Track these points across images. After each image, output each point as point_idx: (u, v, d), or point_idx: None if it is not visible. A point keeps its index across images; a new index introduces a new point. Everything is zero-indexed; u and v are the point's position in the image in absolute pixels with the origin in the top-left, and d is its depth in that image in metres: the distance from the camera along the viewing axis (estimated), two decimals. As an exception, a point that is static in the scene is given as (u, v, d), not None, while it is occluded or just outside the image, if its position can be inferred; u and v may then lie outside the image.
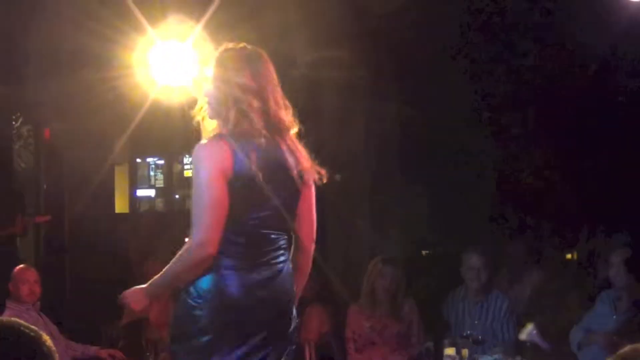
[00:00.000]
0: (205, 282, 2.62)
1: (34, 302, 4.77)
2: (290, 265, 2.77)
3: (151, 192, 8.34)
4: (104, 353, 4.90)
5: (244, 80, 2.66)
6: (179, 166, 8.27)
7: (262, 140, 2.64)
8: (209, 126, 2.75)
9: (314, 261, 2.90)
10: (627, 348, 1.68)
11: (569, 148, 6.59)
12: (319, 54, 5.68)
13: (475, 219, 6.46)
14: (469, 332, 4.44)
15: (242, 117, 2.65)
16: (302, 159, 2.73)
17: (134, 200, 8.04)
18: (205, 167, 2.61)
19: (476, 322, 4.83)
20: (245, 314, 2.62)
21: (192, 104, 2.82)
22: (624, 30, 5.02)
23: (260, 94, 2.67)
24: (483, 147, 6.64)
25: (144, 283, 5.28)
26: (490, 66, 6.71)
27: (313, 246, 2.83)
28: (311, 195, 2.79)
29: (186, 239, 2.75)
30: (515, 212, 6.73)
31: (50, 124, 6.53)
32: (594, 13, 5.38)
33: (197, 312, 2.62)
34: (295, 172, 2.70)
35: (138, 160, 8.14)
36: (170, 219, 7.26)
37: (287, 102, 2.74)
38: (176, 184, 8.22)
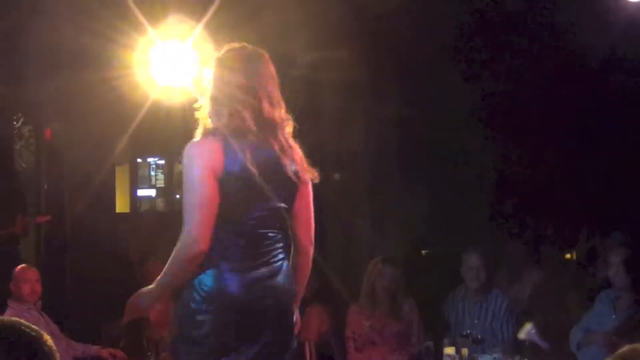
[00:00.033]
0: (206, 282, 2.63)
1: (35, 301, 4.78)
2: (290, 265, 2.78)
3: (152, 192, 8.36)
4: (105, 352, 4.91)
5: (240, 79, 2.69)
6: (180, 166, 8.25)
7: (254, 138, 2.65)
8: (205, 125, 2.76)
9: (314, 261, 2.91)
10: (625, 348, 1.69)
11: (568, 148, 6.60)
12: (318, 54, 5.69)
13: (475, 218, 6.47)
14: (468, 331, 4.45)
15: (235, 115, 2.67)
16: (296, 158, 2.74)
17: (134, 200, 8.04)
18: (195, 165, 2.63)
19: (476, 321, 4.84)
20: (246, 314, 2.63)
21: (193, 104, 2.84)
22: (623, 30, 5.03)
23: (255, 93, 2.68)
24: (482, 147, 6.65)
25: (144, 282, 5.30)
26: (490, 66, 6.72)
27: (312, 245, 2.83)
28: (308, 194, 2.80)
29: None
30: (514, 211, 6.74)
31: (51, 124, 6.53)
32: (593, 13, 5.39)
33: (198, 312, 2.63)
34: (289, 171, 2.71)
35: (139, 160, 8.14)
36: (170, 218, 7.26)
37: (281, 102, 2.74)
38: (177, 184, 8.22)
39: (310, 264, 2.85)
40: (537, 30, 6.60)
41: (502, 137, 6.78)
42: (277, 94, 2.74)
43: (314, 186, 2.83)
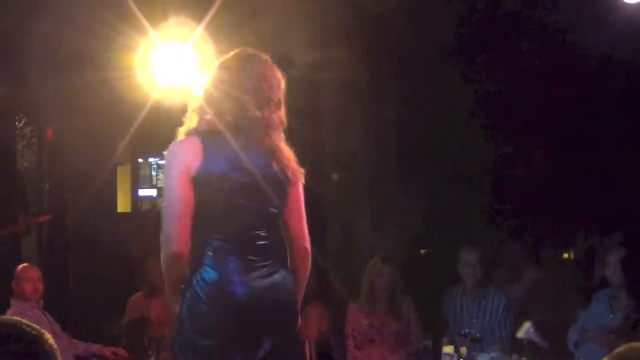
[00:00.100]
0: (205, 283, 2.63)
1: (37, 300, 4.80)
2: (288, 265, 2.78)
3: (153, 192, 8.39)
4: (106, 351, 4.93)
5: (231, 79, 2.70)
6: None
7: (239, 138, 2.66)
8: (189, 124, 2.76)
9: (314, 260, 2.92)
10: (622, 347, 1.69)
11: (566, 148, 6.63)
12: (318, 55, 5.70)
13: (474, 218, 6.49)
14: (467, 330, 4.46)
15: (221, 114, 2.68)
16: (284, 160, 2.74)
17: (136, 199, 8.08)
18: (172, 166, 2.66)
19: (474, 320, 4.86)
20: (246, 314, 2.63)
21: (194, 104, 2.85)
22: (621, 30, 5.05)
23: (245, 93, 2.68)
24: (482, 146, 6.67)
25: (144, 282, 5.32)
26: (489, 66, 6.74)
27: (307, 246, 2.81)
28: (298, 196, 2.79)
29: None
30: (513, 211, 6.76)
31: (53, 124, 6.57)
32: (592, 14, 5.41)
33: (198, 313, 2.63)
34: (275, 172, 2.71)
35: (140, 160, 8.18)
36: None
37: (278, 105, 2.74)
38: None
39: (308, 265, 2.84)
40: (536, 31, 6.62)
41: (501, 137, 6.81)
42: (273, 96, 2.73)
43: (314, 186, 2.84)
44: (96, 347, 4.96)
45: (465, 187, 6.59)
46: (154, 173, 8.33)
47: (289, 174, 2.75)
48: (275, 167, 2.72)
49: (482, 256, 4.99)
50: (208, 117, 2.70)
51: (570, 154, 6.59)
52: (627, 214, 5.82)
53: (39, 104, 6.22)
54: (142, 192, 8.22)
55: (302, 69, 5.54)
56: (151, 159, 8.31)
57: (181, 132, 2.75)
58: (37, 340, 1.54)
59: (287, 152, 2.77)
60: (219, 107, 2.70)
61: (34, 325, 1.58)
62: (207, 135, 2.68)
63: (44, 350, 1.54)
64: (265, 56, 2.78)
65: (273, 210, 2.73)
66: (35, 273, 4.86)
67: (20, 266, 4.90)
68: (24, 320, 1.59)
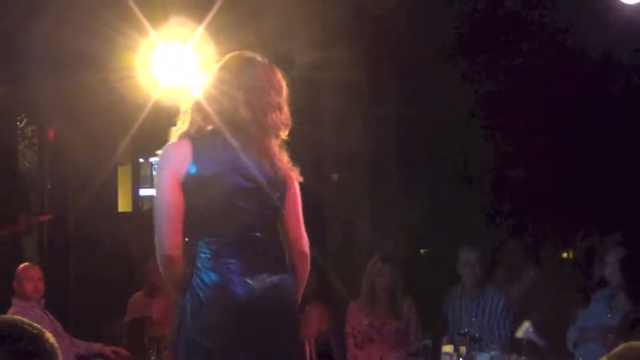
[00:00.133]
0: (208, 285, 2.64)
1: (38, 299, 4.82)
2: (288, 265, 2.78)
3: (154, 192, 8.37)
4: (107, 350, 4.95)
5: (225, 82, 2.70)
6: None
7: (231, 140, 2.66)
8: (180, 127, 2.77)
9: (314, 260, 2.93)
10: (621, 347, 1.71)
11: (566, 148, 6.64)
12: (318, 55, 5.71)
13: (474, 218, 6.51)
14: (466, 329, 4.47)
15: (217, 116, 2.69)
16: (277, 162, 2.73)
17: (137, 199, 8.09)
18: (162, 169, 2.68)
19: (473, 319, 4.87)
20: (248, 315, 2.63)
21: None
22: (620, 31, 5.06)
23: (237, 96, 2.68)
24: (482, 146, 6.69)
25: (145, 281, 5.33)
26: (489, 66, 6.76)
27: (305, 249, 2.81)
28: (295, 198, 2.79)
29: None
30: (513, 211, 6.78)
31: (54, 124, 6.58)
32: (591, 15, 5.43)
33: (198, 313, 2.64)
34: (273, 173, 2.71)
35: (141, 160, 8.19)
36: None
37: (276, 108, 2.72)
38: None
39: (307, 267, 2.83)
40: (536, 31, 6.64)
41: (501, 137, 6.82)
42: (272, 98, 2.72)
43: (314, 186, 2.85)
44: (97, 347, 4.97)
45: (465, 187, 6.61)
46: (154, 173, 8.33)
47: (284, 176, 2.75)
48: (270, 169, 2.71)
49: (481, 256, 5.00)
50: (200, 119, 2.70)
51: (570, 154, 6.60)
52: (626, 214, 5.83)
53: (40, 104, 6.24)
54: (143, 192, 8.23)
55: (303, 69, 5.55)
56: (152, 159, 8.31)
57: (173, 135, 2.75)
58: (38, 339, 1.55)
59: (281, 154, 2.77)
60: (215, 108, 2.71)
61: (35, 324, 1.58)
62: (199, 137, 2.69)
63: (45, 349, 1.54)
64: (264, 59, 2.78)
65: (271, 211, 2.73)
66: (36, 272, 4.87)
67: (21, 265, 4.91)
68: (25, 320, 1.59)
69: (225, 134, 2.69)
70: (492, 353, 4.28)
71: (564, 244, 6.46)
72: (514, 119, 6.77)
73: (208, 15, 4.41)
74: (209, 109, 2.71)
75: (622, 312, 4.26)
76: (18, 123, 7.05)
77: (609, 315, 4.33)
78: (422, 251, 7.22)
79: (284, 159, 2.77)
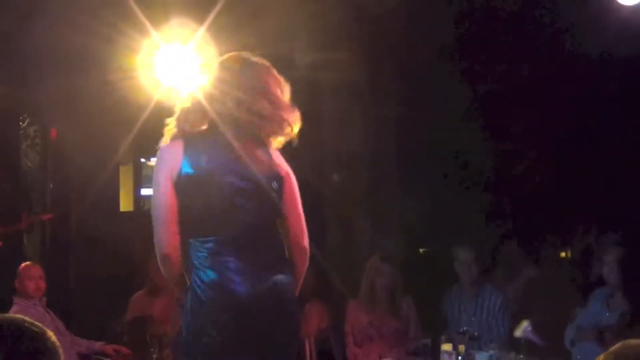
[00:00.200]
0: (207, 284, 2.66)
1: (39, 297, 4.85)
2: (287, 261, 2.80)
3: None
4: (109, 348, 4.98)
5: (231, 81, 2.72)
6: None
7: (221, 139, 2.69)
8: (172, 128, 2.79)
9: (314, 259, 2.95)
10: (618, 345, 1.71)
11: (565, 148, 6.66)
12: (318, 55, 5.73)
13: (474, 217, 6.53)
14: (465, 328, 4.51)
15: (208, 117, 2.72)
16: (273, 159, 2.75)
17: (138, 199, 8.11)
18: (157, 171, 2.71)
19: (472, 318, 4.91)
20: (248, 314, 2.65)
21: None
22: (617, 32, 5.08)
23: (244, 95, 2.71)
24: (481, 146, 6.70)
25: (147, 280, 5.36)
26: (489, 66, 6.77)
27: (305, 244, 2.82)
28: (293, 192, 2.80)
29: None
30: (512, 210, 6.80)
31: (56, 124, 6.61)
32: (589, 15, 5.44)
33: (198, 312, 2.66)
34: (267, 171, 2.73)
35: (142, 160, 8.21)
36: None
37: (267, 109, 2.72)
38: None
39: (306, 260, 2.84)
40: (536, 31, 6.65)
41: (501, 137, 6.83)
42: (271, 99, 2.73)
43: (315, 186, 2.87)
44: (98, 345, 5.01)
45: (464, 187, 6.62)
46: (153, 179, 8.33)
47: (281, 172, 2.76)
48: (267, 168, 2.73)
49: (478, 255, 5.04)
50: (196, 118, 2.73)
51: (569, 154, 6.62)
52: (625, 213, 5.85)
53: (43, 105, 6.27)
54: (145, 192, 8.24)
55: (303, 69, 5.56)
56: (153, 159, 8.33)
57: (166, 135, 2.78)
58: (39, 337, 1.55)
59: (278, 153, 2.79)
60: (214, 107, 2.73)
61: (37, 323, 1.59)
62: (192, 137, 2.71)
63: (47, 347, 1.55)
64: (262, 59, 2.80)
65: (269, 210, 2.75)
66: (37, 271, 4.90)
67: (23, 264, 4.95)
68: (27, 318, 1.60)
69: (221, 132, 2.71)
70: (491, 352, 4.31)
71: (562, 244, 6.48)
72: (514, 119, 6.78)
73: (209, 16, 4.43)
74: (206, 108, 2.73)
75: (620, 311, 4.29)
76: (21, 123, 7.07)
77: (607, 314, 4.35)
78: (421, 250, 7.24)
79: (279, 156, 2.79)
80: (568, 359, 4.42)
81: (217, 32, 4.40)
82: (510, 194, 6.85)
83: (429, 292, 5.38)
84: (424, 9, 6.03)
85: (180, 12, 4.79)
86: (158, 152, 2.75)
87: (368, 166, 6.62)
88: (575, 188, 6.46)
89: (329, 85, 6.20)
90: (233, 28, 4.56)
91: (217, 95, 2.74)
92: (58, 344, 1.58)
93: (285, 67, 2.91)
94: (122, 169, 7.47)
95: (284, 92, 2.80)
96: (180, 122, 2.76)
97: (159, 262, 2.72)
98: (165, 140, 2.78)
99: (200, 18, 4.51)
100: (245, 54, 2.81)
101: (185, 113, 2.76)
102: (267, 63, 2.81)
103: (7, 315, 1.64)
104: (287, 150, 2.88)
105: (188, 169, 2.67)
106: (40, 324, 1.59)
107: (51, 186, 6.87)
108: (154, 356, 4.57)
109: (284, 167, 2.80)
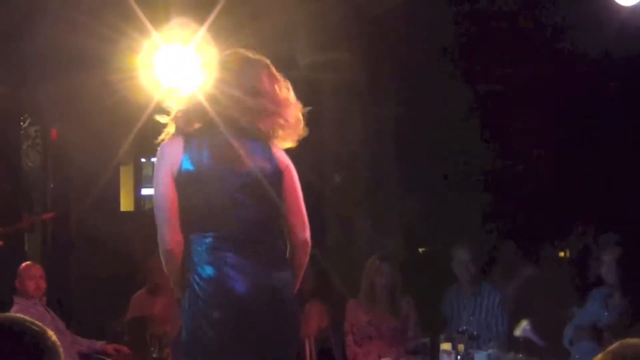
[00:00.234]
0: (205, 279, 2.66)
1: (40, 297, 4.86)
2: (287, 258, 2.81)
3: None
4: (109, 348, 5.00)
5: (230, 81, 2.75)
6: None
7: (220, 137, 2.71)
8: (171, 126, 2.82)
9: (314, 259, 2.95)
10: (616, 344, 1.72)
11: (565, 148, 6.67)
12: (318, 56, 5.75)
13: (473, 217, 6.53)
14: (464, 327, 4.52)
15: (208, 116, 2.74)
16: (274, 155, 2.77)
17: (139, 198, 8.12)
18: (158, 168, 2.74)
19: (471, 317, 4.92)
20: (247, 311, 2.65)
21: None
22: (616, 33, 5.10)
23: (243, 94, 2.73)
24: (482, 146, 6.71)
25: (148, 280, 5.38)
26: (489, 66, 6.78)
27: (307, 236, 2.82)
28: (293, 185, 2.81)
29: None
30: (512, 210, 6.80)
31: (57, 124, 6.62)
32: (588, 16, 5.45)
33: (197, 312, 2.67)
34: (267, 167, 2.74)
35: (143, 160, 8.22)
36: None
37: (265, 110, 2.75)
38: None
39: (307, 253, 2.84)
40: (536, 31, 6.66)
41: (501, 137, 6.84)
42: (271, 98, 2.75)
43: (315, 186, 2.88)
44: (99, 344, 5.02)
45: (464, 187, 6.63)
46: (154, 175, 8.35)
47: (280, 167, 2.78)
48: (267, 163, 2.75)
49: (476, 255, 5.06)
50: (196, 116, 2.75)
51: (569, 154, 6.63)
52: (624, 213, 5.86)
53: (44, 105, 6.28)
54: (145, 192, 8.26)
55: (303, 69, 5.57)
56: (154, 159, 8.33)
57: (167, 133, 2.80)
58: (40, 336, 1.56)
59: (276, 148, 2.80)
60: (214, 107, 2.75)
61: (37, 322, 1.59)
62: (192, 134, 2.73)
63: (47, 346, 1.55)
64: (255, 56, 2.82)
65: (269, 207, 2.75)
66: (38, 271, 4.91)
67: (23, 264, 4.96)
68: (27, 317, 1.61)
69: (221, 130, 2.72)
70: (490, 351, 4.32)
71: (561, 244, 6.48)
72: (514, 119, 6.78)
73: (209, 17, 4.44)
74: (207, 108, 2.75)
75: (618, 311, 4.30)
76: (21, 123, 7.09)
77: (605, 313, 4.37)
78: (421, 250, 7.25)
79: (280, 150, 2.81)
80: (567, 358, 4.43)
81: (218, 32, 4.40)
82: (510, 194, 6.85)
83: (429, 291, 5.39)
84: (424, 9, 6.04)
85: (181, 13, 4.80)
86: (159, 149, 2.77)
87: (368, 166, 6.63)
88: (574, 188, 6.46)
89: (329, 85, 6.20)
90: (233, 28, 4.57)
91: (217, 95, 2.76)
92: (58, 343, 1.59)
93: (285, 67, 2.92)
94: (122, 169, 7.49)
95: (282, 88, 2.81)
96: (179, 121, 2.76)
97: (162, 258, 2.73)
98: (165, 137, 2.79)
99: (200, 18, 4.52)
100: (244, 52, 2.83)
101: (185, 112, 2.78)
102: (265, 60, 2.82)
103: (7, 314, 1.65)
104: (287, 151, 2.89)
105: (188, 166, 2.69)
106: (40, 324, 1.59)
107: (52, 186, 6.88)
108: (154, 355, 4.58)
109: (284, 160, 2.81)
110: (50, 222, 6.65)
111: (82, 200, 6.49)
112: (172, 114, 2.80)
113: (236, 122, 2.75)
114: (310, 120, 2.92)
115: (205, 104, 2.77)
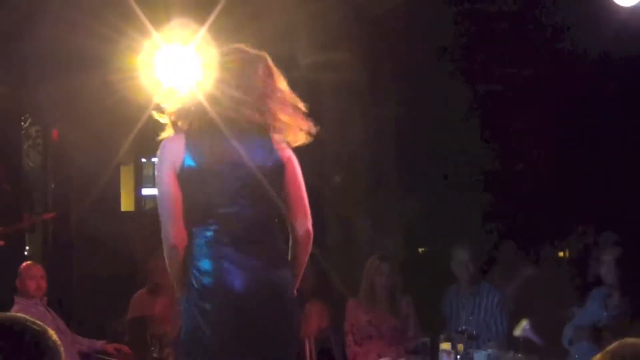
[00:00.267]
0: (203, 274, 2.67)
1: (40, 296, 4.87)
2: (289, 256, 2.81)
3: (156, 191, 8.41)
4: (110, 347, 5.00)
5: (229, 80, 2.76)
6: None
7: (231, 132, 2.71)
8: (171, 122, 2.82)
9: (314, 259, 2.96)
10: (615, 344, 1.73)
11: (565, 148, 6.67)
12: (319, 56, 5.75)
13: (473, 217, 6.54)
14: (464, 327, 4.53)
15: (209, 115, 2.74)
16: (275, 149, 2.77)
17: (139, 198, 8.13)
18: (160, 165, 2.75)
19: (470, 317, 4.93)
20: (245, 308, 2.66)
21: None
22: (616, 34, 5.11)
23: (243, 93, 2.74)
24: (481, 146, 6.72)
25: (148, 280, 5.39)
26: (489, 66, 6.79)
27: (309, 225, 2.81)
28: (295, 177, 2.80)
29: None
30: (511, 210, 6.81)
31: (58, 125, 6.63)
32: (588, 16, 5.46)
33: (197, 312, 2.66)
34: (268, 163, 2.74)
35: (143, 160, 8.23)
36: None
37: (264, 106, 2.76)
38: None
39: (309, 244, 2.83)
40: (536, 31, 6.66)
41: (501, 137, 6.85)
42: (264, 97, 2.76)
43: (314, 186, 2.89)
44: (99, 344, 5.03)
45: (464, 187, 6.63)
46: (156, 172, 8.36)
47: (282, 160, 2.77)
48: (268, 159, 2.75)
49: (475, 254, 5.07)
50: (197, 115, 2.75)
51: (569, 154, 6.63)
52: (624, 213, 5.87)
53: (44, 105, 6.29)
54: (146, 192, 8.27)
55: (303, 69, 5.58)
56: (154, 159, 8.34)
57: (167, 130, 2.81)
58: (41, 336, 1.56)
59: (278, 141, 2.79)
60: (215, 107, 2.76)
61: (38, 321, 1.59)
62: (194, 131, 2.74)
63: (48, 346, 1.55)
64: (258, 55, 2.83)
65: (270, 206, 2.76)
66: (38, 271, 4.92)
67: (24, 264, 4.96)
68: (28, 317, 1.61)
69: (222, 127, 2.73)
70: (490, 350, 4.33)
71: (560, 243, 6.49)
72: (514, 119, 6.79)
73: (210, 17, 4.45)
74: (207, 108, 2.76)
75: (618, 311, 4.31)
76: (22, 123, 7.10)
77: (605, 313, 4.38)
78: (420, 250, 7.26)
79: (281, 142, 2.79)
80: (566, 358, 4.44)
81: (218, 32, 4.40)
82: (510, 194, 6.86)
83: (428, 291, 5.40)
84: (424, 9, 6.04)
85: (181, 13, 4.80)
86: (160, 147, 2.78)
87: (368, 166, 6.64)
88: (574, 188, 6.47)
89: (329, 85, 6.21)
90: (233, 28, 4.57)
91: (217, 95, 2.77)
92: (59, 342, 1.59)
93: (285, 67, 2.93)
94: (123, 168, 7.49)
95: (280, 81, 2.82)
96: (180, 120, 2.78)
97: (166, 255, 2.73)
98: (166, 135, 2.80)
99: (200, 18, 4.52)
100: (244, 49, 2.83)
101: (186, 112, 2.79)
102: (264, 54, 2.83)
103: (8, 314, 1.65)
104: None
105: (190, 162, 2.70)
106: (41, 323, 1.60)
107: (52, 186, 6.89)
108: (155, 355, 4.59)
109: (286, 153, 2.81)
110: (51, 222, 6.66)
111: (83, 200, 6.49)
112: (173, 114, 2.80)
113: (236, 122, 2.75)
114: (310, 120, 2.92)
115: (205, 104, 2.78)
